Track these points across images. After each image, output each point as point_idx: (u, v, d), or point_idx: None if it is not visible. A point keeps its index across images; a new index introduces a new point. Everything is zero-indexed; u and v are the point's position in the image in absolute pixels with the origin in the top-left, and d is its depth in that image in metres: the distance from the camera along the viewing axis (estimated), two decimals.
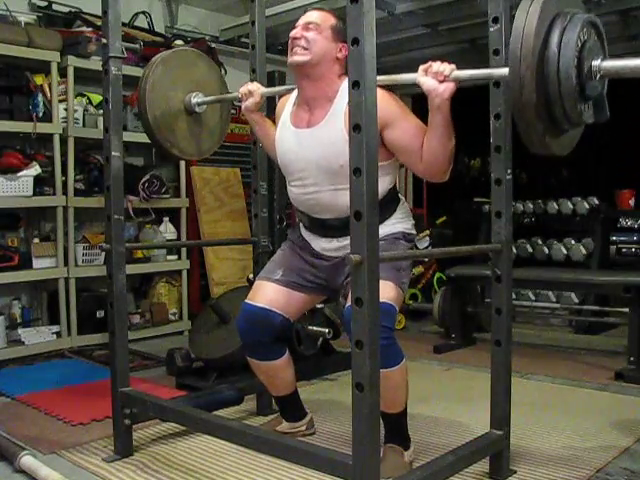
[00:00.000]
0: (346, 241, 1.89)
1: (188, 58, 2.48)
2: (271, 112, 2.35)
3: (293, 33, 1.99)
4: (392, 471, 1.88)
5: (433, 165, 1.89)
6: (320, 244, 2.13)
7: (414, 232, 2.14)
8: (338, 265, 2.10)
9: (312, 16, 2.00)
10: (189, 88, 2.42)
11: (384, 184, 1.96)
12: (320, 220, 2.08)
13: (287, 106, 2.14)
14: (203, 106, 2.44)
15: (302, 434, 2.37)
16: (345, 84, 1.90)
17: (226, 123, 2.62)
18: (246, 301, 2.17)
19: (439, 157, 1.86)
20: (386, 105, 1.87)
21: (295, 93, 2.12)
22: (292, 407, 2.38)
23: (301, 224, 2.21)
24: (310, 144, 2.00)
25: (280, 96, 2.28)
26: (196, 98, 2.41)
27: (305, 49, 1.96)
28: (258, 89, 2.23)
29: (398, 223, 2.07)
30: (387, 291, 1.85)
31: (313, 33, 1.97)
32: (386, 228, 2.01)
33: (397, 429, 2.08)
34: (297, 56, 1.97)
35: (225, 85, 2.64)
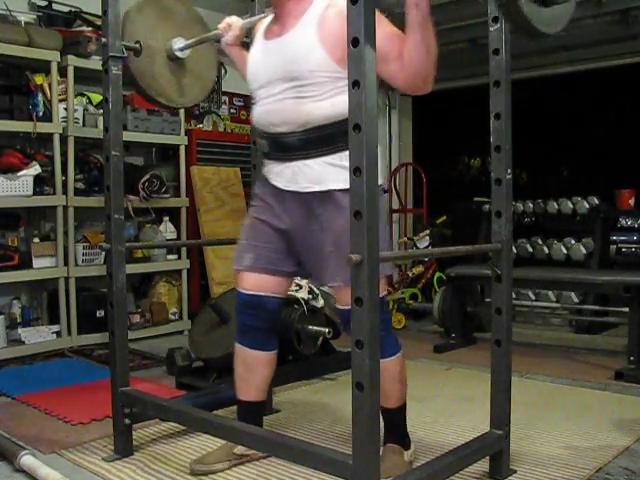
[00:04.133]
0: (297, 167, 1.93)
1: (165, 4, 2.39)
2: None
3: None
4: (392, 471, 1.87)
5: (412, 71, 1.78)
6: (272, 170, 2.03)
7: (384, 184, 2.00)
8: (299, 223, 1.98)
9: None
10: (169, 35, 2.33)
11: None
12: (278, 137, 1.97)
13: (262, 26, 2.11)
14: (186, 51, 2.36)
15: (258, 457, 2.16)
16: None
17: (213, 68, 2.53)
18: (237, 288, 2.13)
19: (419, 62, 1.76)
20: None
21: (271, 16, 2.09)
22: (253, 421, 2.10)
23: (264, 161, 2.11)
24: (279, 51, 1.94)
25: None
26: (177, 44, 2.33)
27: None
28: (237, 22, 2.20)
29: None
30: None
31: None
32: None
33: (395, 427, 2.08)
34: None
35: (208, 29, 2.51)
